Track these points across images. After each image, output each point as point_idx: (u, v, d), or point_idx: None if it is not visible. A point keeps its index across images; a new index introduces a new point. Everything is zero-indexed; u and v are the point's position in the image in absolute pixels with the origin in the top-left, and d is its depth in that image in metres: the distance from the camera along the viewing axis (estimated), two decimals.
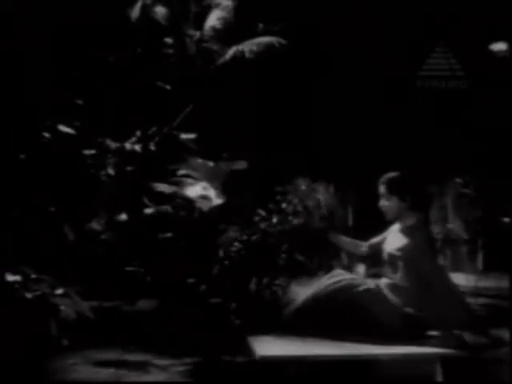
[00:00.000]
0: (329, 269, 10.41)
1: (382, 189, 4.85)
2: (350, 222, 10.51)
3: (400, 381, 4.56)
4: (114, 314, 6.08)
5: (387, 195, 4.80)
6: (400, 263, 4.61)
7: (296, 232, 5.65)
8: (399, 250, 4.65)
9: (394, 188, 4.79)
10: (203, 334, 5.37)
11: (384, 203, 4.85)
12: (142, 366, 5.11)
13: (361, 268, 11.02)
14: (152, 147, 5.90)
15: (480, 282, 8.45)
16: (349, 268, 10.84)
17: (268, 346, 4.26)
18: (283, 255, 5.74)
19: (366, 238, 10.48)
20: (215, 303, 5.36)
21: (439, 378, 4.32)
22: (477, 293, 7.72)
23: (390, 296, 4.59)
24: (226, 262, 5.40)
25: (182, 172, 5.93)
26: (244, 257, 5.43)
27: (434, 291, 4.50)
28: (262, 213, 5.67)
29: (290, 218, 5.66)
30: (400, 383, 4.57)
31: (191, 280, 5.39)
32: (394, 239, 4.79)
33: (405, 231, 4.73)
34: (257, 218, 5.62)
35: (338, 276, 4.73)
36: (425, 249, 4.61)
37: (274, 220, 5.68)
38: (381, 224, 10.32)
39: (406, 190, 4.78)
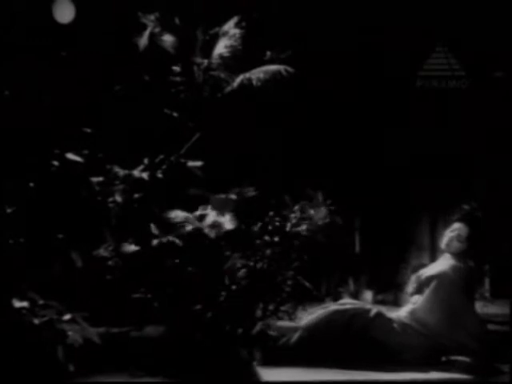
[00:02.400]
0: (336, 295, 10.46)
1: (461, 226, 4.74)
2: (357, 248, 10.54)
3: None
4: (121, 340, 6.09)
5: (462, 236, 4.72)
6: (432, 285, 4.57)
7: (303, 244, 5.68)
8: (439, 271, 4.62)
9: (472, 234, 4.72)
10: (210, 360, 5.38)
11: (453, 241, 4.75)
12: None
13: (368, 295, 10.99)
14: (159, 175, 5.94)
15: (487, 308, 8.43)
16: (356, 294, 10.84)
17: (274, 372, 4.27)
18: (289, 282, 5.76)
19: (371, 263, 10.51)
20: (222, 329, 5.37)
21: None
22: (486, 319, 7.69)
23: (413, 322, 4.56)
24: (233, 289, 5.42)
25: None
26: (250, 283, 5.46)
27: (460, 319, 4.50)
28: (267, 238, 5.70)
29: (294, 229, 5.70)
30: None
31: (198, 307, 5.41)
32: (437, 265, 4.77)
33: (451, 259, 4.70)
34: (260, 243, 5.65)
35: (346, 303, 4.73)
36: (458, 280, 4.60)
37: (276, 239, 5.72)
38: (385, 249, 10.34)
39: (480, 238, 4.73)
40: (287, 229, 5.87)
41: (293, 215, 5.92)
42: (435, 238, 9.80)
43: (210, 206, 5.89)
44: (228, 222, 5.78)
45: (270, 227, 5.79)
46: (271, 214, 5.89)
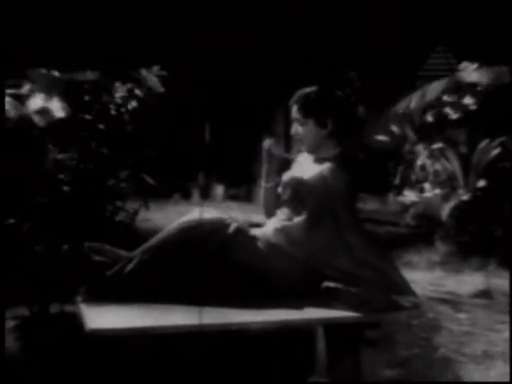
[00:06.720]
0: (185, 191, 9.69)
1: (294, 111, 3.73)
2: (208, 138, 9.83)
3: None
4: None
5: (301, 119, 3.69)
6: (306, 200, 3.55)
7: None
8: (307, 182, 3.57)
9: (309, 109, 3.68)
10: (30, 282, 4.37)
11: (297, 130, 3.74)
12: None
13: (219, 189, 10.34)
14: None
15: (365, 204, 7.90)
16: (207, 189, 10.17)
17: (102, 315, 3.24)
18: (126, 183, 4.73)
19: (222, 156, 9.81)
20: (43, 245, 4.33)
21: (321, 342, 3.47)
22: (365, 217, 7.09)
23: (283, 242, 3.55)
24: (55, 194, 4.33)
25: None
26: (75, 188, 4.37)
27: (343, 240, 3.52)
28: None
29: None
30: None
31: (11, 220, 4.28)
32: (301, 170, 3.74)
33: (320, 162, 3.68)
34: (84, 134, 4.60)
35: (200, 216, 3.60)
36: (342, 187, 3.58)
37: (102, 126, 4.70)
38: (234, 140, 9.73)
39: (325, 110, 3.68)
40: (112, 112, 4.80)
41: (117, 94, 4.85)
42: (289, 126, 9.54)
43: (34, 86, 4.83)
44: (59, 109, 4.75)
45: (88, 117, 4.70)
46: (87, 98, 4.81)
